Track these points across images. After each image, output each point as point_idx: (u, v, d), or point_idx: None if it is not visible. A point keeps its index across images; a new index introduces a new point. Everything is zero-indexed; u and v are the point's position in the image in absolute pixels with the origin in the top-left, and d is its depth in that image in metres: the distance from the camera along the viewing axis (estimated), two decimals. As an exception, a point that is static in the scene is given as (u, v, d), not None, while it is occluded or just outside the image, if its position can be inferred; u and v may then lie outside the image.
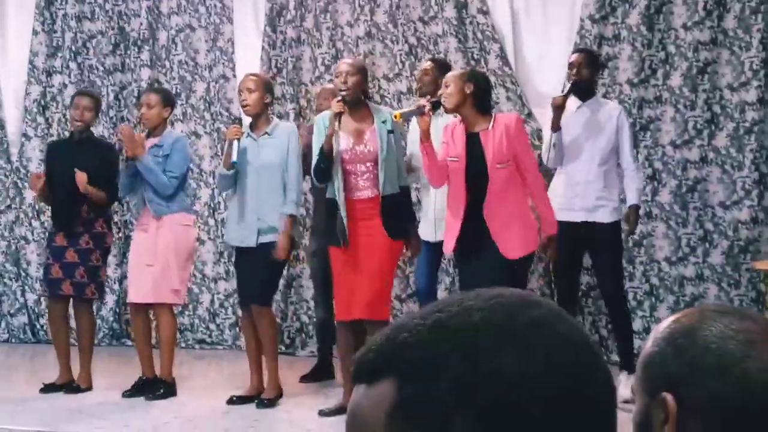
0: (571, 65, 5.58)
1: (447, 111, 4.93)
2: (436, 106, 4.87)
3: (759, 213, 6.27)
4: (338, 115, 5.01)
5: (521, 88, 6.63)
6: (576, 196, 5.46)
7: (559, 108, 5.44)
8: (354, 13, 6.98)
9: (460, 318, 0.79)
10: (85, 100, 5.87)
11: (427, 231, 5.65)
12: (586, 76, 5.53)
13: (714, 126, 6.33)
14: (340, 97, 5.06)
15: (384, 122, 5.07)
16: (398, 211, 5.11)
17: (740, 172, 6.27)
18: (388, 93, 6.88)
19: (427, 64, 5.86)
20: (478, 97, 4.86)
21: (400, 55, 6.88)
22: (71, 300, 5.87)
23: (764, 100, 6.25)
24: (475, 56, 6.70)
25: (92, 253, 5.77)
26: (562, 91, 5.64)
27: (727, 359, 1.13)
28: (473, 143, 4.87)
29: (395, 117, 4.95)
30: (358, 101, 5.11)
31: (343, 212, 5.04)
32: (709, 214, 6.35)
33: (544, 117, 6.57)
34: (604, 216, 5.48)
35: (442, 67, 5.77)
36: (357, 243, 5.02)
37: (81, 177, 5.62)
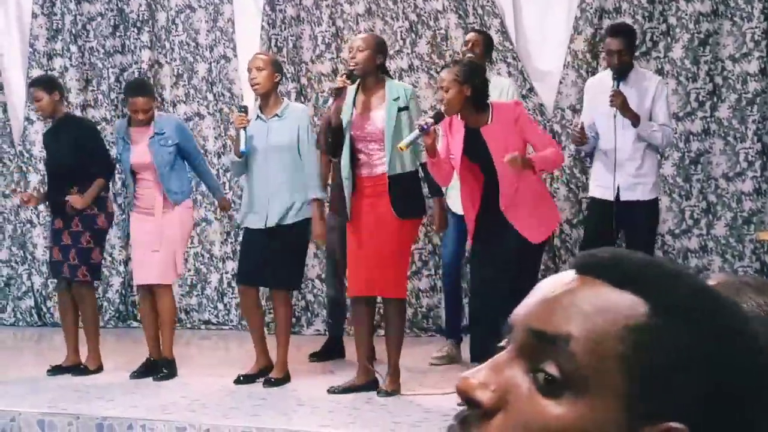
0: (610, 52, 5.39)
1: (448, 115, 4.84)
2: (437, 118, 4.76)
3: (762, 184, 6.27)
4: (339, 90, 4.99)
5: (522, 63, 6.61)
6: (610, 174, 5.40)
7: (624, 104, 5.24)
8: (354, -10, 6.96)
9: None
10: (34, 90, 5.83)
11: (456, 203, 5.63)
12: (628, 61, 5.40)
13: (716, 98, 6.32)
14: (344, 72, 5.04)
15: (396, 99, 4.97)
16: (408, 191, 5.00)
17: (743, 143, 6.26)
18: (390, 70, 6.85)
19: (472, 36, 5.74)
20: (476, 97, 4.80)
21: (401, 31, 6.86)
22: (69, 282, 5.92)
23: (766, 71, 6.23)
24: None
25: (82, 236, 5.80)
26: (614, 84, 5.31)
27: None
28: (474, 139, 4.81)
29: (400, 149, 4.77)
30: (373, 77, 5.03)
31: (347, 188, 5.04)
32: (712, 186, 6.35)
33: (544, 91, 6.57)
34: (642, 193, 5.43)
35: (486, 37, 5.77)
36: (366, 220, 5.02)
37: (74, 200, 5.69)
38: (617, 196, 5.38)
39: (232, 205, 6.57)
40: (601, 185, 5.45)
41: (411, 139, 4.72)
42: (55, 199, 5.86)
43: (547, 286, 0.81)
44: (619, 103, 5.23)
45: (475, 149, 4.81)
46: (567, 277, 0.81)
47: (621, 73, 5.34)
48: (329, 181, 5.92)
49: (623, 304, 0.77)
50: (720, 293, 0.81)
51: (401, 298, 5.15)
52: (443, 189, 5.23)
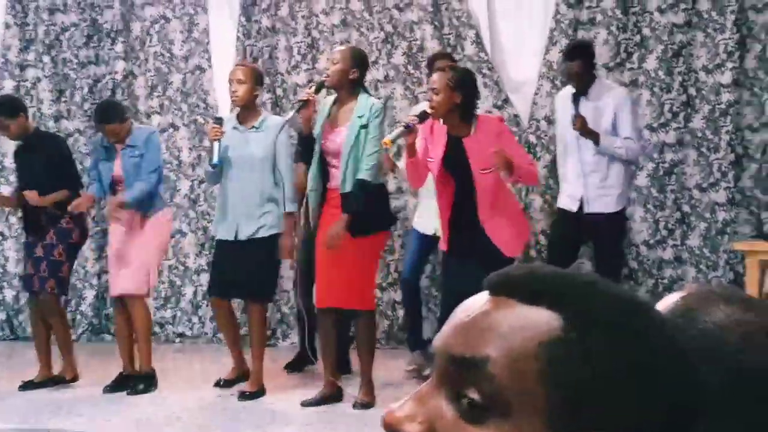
0: (569, 76, 5.47)
1: (434, 118, 4.83)
2: (423, 118, 4.76)
3: (735, 194, 6.31)
4: (303, 102, 5.02)
5: (498, 74, 6.63)
6: (577, 186, 5.46)
7: (584, 127, 5.34)
8: (329, 1, 6.95)
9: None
10: (1, 120, 5.75)
11: (422, 222, 5.72)
12: (588, 79, 5.46)
13: (690, 108, 6.35)
14: (313, 84, 5.07)
15: (360, 116, 4.98)
16: (361, 207, 4.94)
17: (716, 154, 6.30)
18: (365, 81, 6.84)
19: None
20: (465, 106, 4.79)
21: (376, 42, 6.86)
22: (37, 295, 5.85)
23: (739, 82, 6.28)
24: (451, 43, 6.69)
25: (55, 248, 5.74)
26: (572, 106, 5.43)
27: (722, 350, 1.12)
28: (455, 147, 4.80)
29: (385, 144, 4.77)
30: (346, 91, 5.02)
31: (312, 200, 5.06)
32: (686, 196, 6.38)
33: (520, 102, 6.58)
34: (606, 205, 5.47)
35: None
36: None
37: (30, 196, 5.64)
38: (581, 207, 5.45)
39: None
40: (568, 196, 5.52)
41: (395, 134, 4.73)
42: (28, 217, 5.83)
43: (463, 311, 0.81)
44: (579, 125, 5.31)
45: (455, 158, 4.80)
46: (481, 299, 0.81)
47: (584, 90, 5.42)
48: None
49: (537, 320, 0.76)
50: (634, 298, 0.80)
51: (369, 310, 5.15)
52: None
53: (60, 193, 5.70)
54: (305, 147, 5.35)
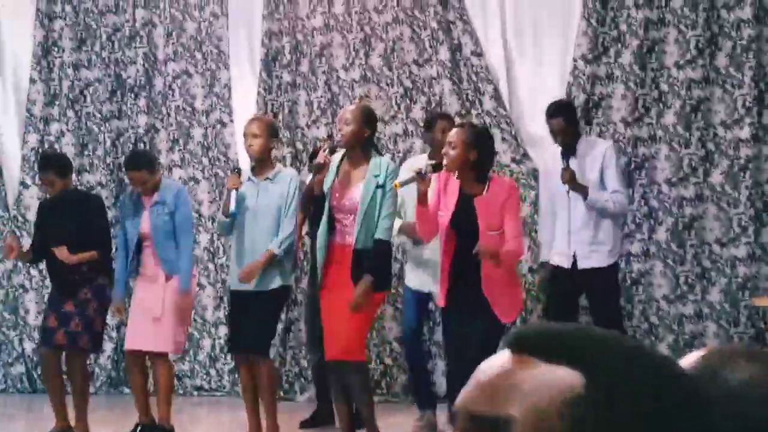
0: (553, 133, 5.59)
1: (447, 171, 4.85)
2: (436, 168, 4.79)
3: (756, 249, 6.27)
4: (320, 166, 5.01)
5: (515, 128, 6.66)
6: (570, 242, 5.50)
7: (573, 180, 5.41)
8: (349, 56, 7.03)
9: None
10: (47, 174, 5.75)
11: (419, 281, 5.71)
12: (571, 136, 5.56)
13: (709, 163, 6.35)
14: (326, 147, 5.07)
15: (376, 176, 5.02)
16: (370, 265, 4.99)
17: (736, 209, 6.28)
18: (384, 135, 6.91)
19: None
20: (480, 164, 4.81)
21: (396, 97, 6.92)
22: (62, 349, 5.83)
23: (758, 137, 6.28)
24: (470, 98, 6.74)
25: (90, 303, 5.72)
26: (563, 161, 5.50)
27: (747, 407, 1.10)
28: (466, 205, 4.80)
29: (395, 186, 4.83)
30: (358, 150, 5.06)
31: (319, 255, 5.06)
32: (706, 251, 6.35)
33: (538, 157, 6.60)
34: (599, 261, 5.51)
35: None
36: (337, 286, 5.02)
37: (61, 253, 5.64)
38: (574, 264, 5.47)
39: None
40: (558, 253, 5.54)
41: (407, 179, 4.77)
42: (59, 278, 5.79)
43: (485, 369, 0.81)
44: (568, 178, 5.38)
45: (465, 215, 4.79)
46: (502, 357, 0.80)
47: (569, 147, 5.47)
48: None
49: (558, 379, 0.76)
50: (657, 354, 0.79)
51: (361, 362, 5.14)
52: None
53: (90, 254, 5.70)
54: (311, 203, 5.32)
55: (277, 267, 5.36)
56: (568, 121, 5.59)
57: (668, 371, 0.78)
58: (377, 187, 4.99)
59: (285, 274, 5.41)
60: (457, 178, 4.84)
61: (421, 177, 4.71)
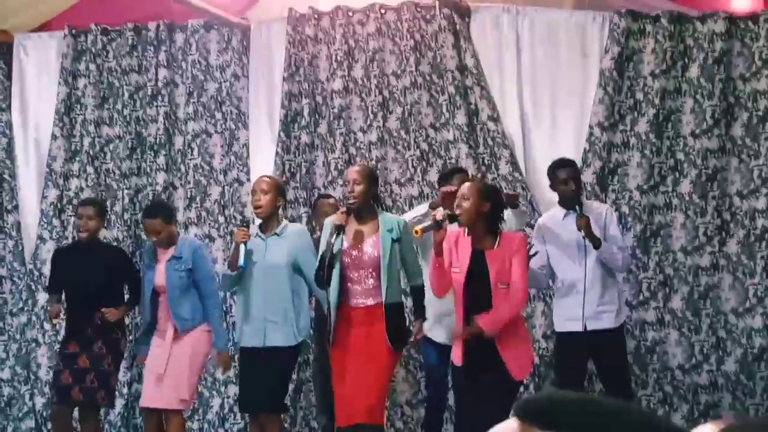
0: (565, 181, 5.60)
1: (460, 226, 4.90)
2: (452, 219, 4.84)
3: (772, 320, 6.23)
4: (339, 228, 5.05)
5: (531, 193, 6.68)
6: (577, 305, 5.46)
7: (588, 227, 5.41)
8: (367, 119, 7.10)
9: None
10: (88, 209, 5.93)
11: (441, 333, 5.64)
12: (579, 188, 5.63)
13: (725, 233, 6.34)
14: (344, 208, 5.12)
15: (390, 230, 5.07)
16: (399, 321, 5.11)
17: (752, 279, 6.25)
18: (400, 197, 6.94)
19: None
20: (491, 217, 4.86)
21: (412, 160, 6.96)
22: (77, 405, 5.82)
23: (774, 208, 6.27)
24: (486, 162, 6.78)
25: (105, 359, 5.73)
26: (577, 210, 5.53)
27: None
28: (478, 260, 4.84)
29: (416, 233, 4.89)
30: (367, 208, 5.14)
31: (333, 315, 5.05)
32: (721, 321, 6.31)
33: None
34: (607, 322, 5.47)
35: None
36: (354, 348, 5.00)
37: (111, 314, 5.73)
38: (584, 327, 5.43)
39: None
40: (569, 318, 5.49)
41: (425, 226, 4.84)
42: (76, 324, 5.81)
43: None
44: (584, 224, 5.37)
45: (477, 270, 4.82)
46: (510, 425, 0.85)
47: (573, 202, 5.46)
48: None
49: None
50: (666, 425, 0.81)
51: (379, 425, 5.09)
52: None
53: (126, 307, 5.81)
54: (328, 270, 5.31)
55: (293, 324, 5.35)
56: (576, 172, 5.67)
57: None
58: (393, 241, 5.04)
59: (298, 332, 5.40)
60: (468, 232, 4.87)
61: (437, 226, 4.75)
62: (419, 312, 5.23)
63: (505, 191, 5.71)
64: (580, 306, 5.46)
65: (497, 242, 4.86)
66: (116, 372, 5.86)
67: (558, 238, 5.55)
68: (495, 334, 4.75)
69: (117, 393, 7.39)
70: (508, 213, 5.63)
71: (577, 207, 5.49)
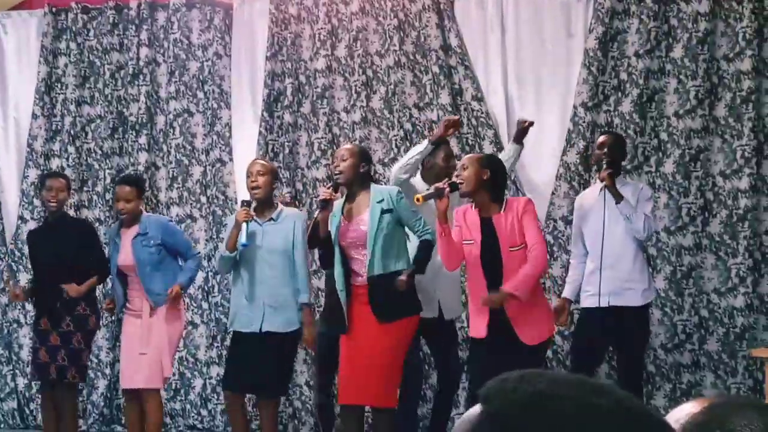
0: (601, 145, 5.56)
1: (462, 195, 4.94)
2: (453, 187, 4.85)
3: (754, 300, 6.25)
4: (324, 202, 5.01)
5: (515, 174, 6.66)
6: (597, 280, 5.42)
7: (612, 181, 5.39)
8: (350, 99, 7.07)
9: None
10: (57, 181, 5.90)
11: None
12: (617, 158, 5.56)
13: (707, 213, 6.35)
14: (330, 184, 5.09)
15: (380, 201, 5.01)
16: (392, 291, 4.95)
17: (734, 258, 6.27)
18: (383, 177, 6.91)
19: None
20: (493, 184, 4.88)
21: (396, 140, 6.94)
22: (53, 384, 5.80)
23: (756, 188, 6.29)
24: (470, 142, 6.76)
25: (73, 336, 5.72)
26: (605, 165, 5.49)
27: None
28: (487, 228, 4.87)
29: (417, 200, 4.88)
30: (358, 185, 5.09)
31: (342, 298, 5.01)
32: (704, 300, 6.33)
33: (537, 202, 6.58)
34: (632, 299, 5.42)
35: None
36: (360, 328, 4.97)
37: (71, 289, 5.66)
38: (606, 302, 5.39)
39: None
40: (589, 294, 5.46)
41: (426, 194, 4.85)
42: (44, 301, 5.81)
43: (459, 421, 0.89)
44: (607, 176, 5.36)
45: (488, 239, 4.83)
46: (474, 412, 0.88)
47: (613, 166, 5.44)
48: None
49: (468, 414, 0.87)
50: (561, 399, 0.83)
51: (391, 408, 5.06)
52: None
53: (91, 282, 5.75)
54: (326, 250, 5.26)
55: (294, 309, 5.36)
56: (614, 141, 5.59)
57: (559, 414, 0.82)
58: (383, 212, 4.97)
59: (297, 316, 5.41)
60: (474, 204, 4.88)
61: (439, 193, 4.75)
62: (416, 264, 5.06)
63: (519, 119, 5.73)
64: (598, 282, 5.40)
65: (503, 207, 4.88)
66: (87, 349, 5.84)
67: (589, 212, 5.53)
68: (526, 295, 4.76)
69: (100, 374, 7.38)
70: (509, 145, 5.70)
71: (604, 164, 5.42)
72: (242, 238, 5.29)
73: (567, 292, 5.66)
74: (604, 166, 5.41)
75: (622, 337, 5.45)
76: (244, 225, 5.29)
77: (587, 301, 5.49)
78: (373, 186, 5.14)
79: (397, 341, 4.97)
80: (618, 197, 5.37)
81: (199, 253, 5.85)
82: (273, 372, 5.32)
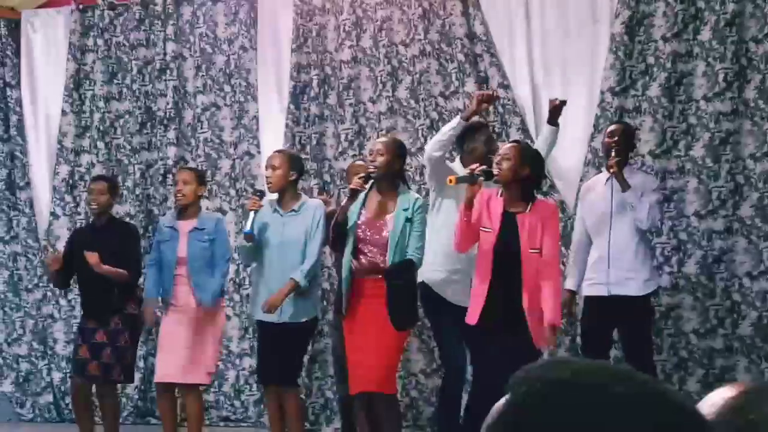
0: (611, 133, 5.56)
1: (496, 182, 4.90)
2: (488, 176, 4.83)
3: (787, 283, 6.20)
4: (354, 192, 5.03)
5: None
6: (606, 269, 5.42)
7: (620, 168, 5.39)
8: (376, 89, 7.07)
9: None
10: (99, 184, 5.94)
11: (454, 292, 5.48)
12: (626, 147, 5.56)
13: (738, 196, 6.30)
14: (362, 175, 5.08)
15: (405, 209, 5.03)
16: (404, 301, 5.03)
17: (766, 242, 6.22)
18: (410, 167, 6.92)
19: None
20: (528, 183, 4.85)
21: (422, 129, 6.94)
22: (94, 381, 5.84)
23: (787, 169, 6.23)
24: (497, 130, 6.74)
25: (121, 335, 5.74)
26: (613, 154, 5.51)
27: None
28: (508, 222, 4.84)
29: (449, 182, 4.87)
30: (389, 182, 5.10)
31: (345, 284, 5.04)
32: (736, 284, 6.28)
33: (565, 189, 6.58)
34: (635, 289, 5.43)
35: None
36: (364, 319, 5.01)
37: (92, 258, 5.63)
38: (609, 291, 5.41)
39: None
40: (594, 283, 5.48)
41: (460, 177, 4.83)
42: (92, 304, 5.82)
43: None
44: (614, 163, 5.34)
45: (508, 233, 4.81)
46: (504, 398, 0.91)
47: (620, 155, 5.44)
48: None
49: (498, 405, 0.90)
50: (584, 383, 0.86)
51: (392, 394, 5.13)
52: None
53: (120, 271, 5.68)
54: (338, 234, 5.28)
55: (307, 298, 5.37)
56: (624, 130, 5.61)
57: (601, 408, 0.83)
58: (406, 220, 5.00)
59: (314, 305, 5.44)
60: (502, 193, 4.86)
61: (472, 180, 4.73)
62: (391, 270, 4.98)
63: (550, 98, 5.68)
64: (608, 270, 5.42)
65: (529, 207, 4.85)
66: (133, 348, 5.88)
67: (594, 201, 5.53)
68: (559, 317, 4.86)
69: (135, 367, 7.45)
70: (544, 128, 5.67)
71: (613, 152, 5.40)
72: (246, 226, 5.33)
73: (571, 284, 5.69)
74: (613, 154, 5.40)
75: (625, 325, 5.48)
76: (251, 213, 5.33)
77: (591, 290, 5.52)
78: (402, 191, 5.12)
79: (397, 339, 5.08)
80: (625, 185, 5.36)
81: (229, 261, 5.84)
82: (289, 360, 5.37)
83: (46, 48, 7.97)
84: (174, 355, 5.61)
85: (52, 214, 7.82)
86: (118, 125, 7.76)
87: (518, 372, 0.89)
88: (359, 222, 5.08)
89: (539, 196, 5.09)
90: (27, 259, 7.87)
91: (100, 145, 7.74)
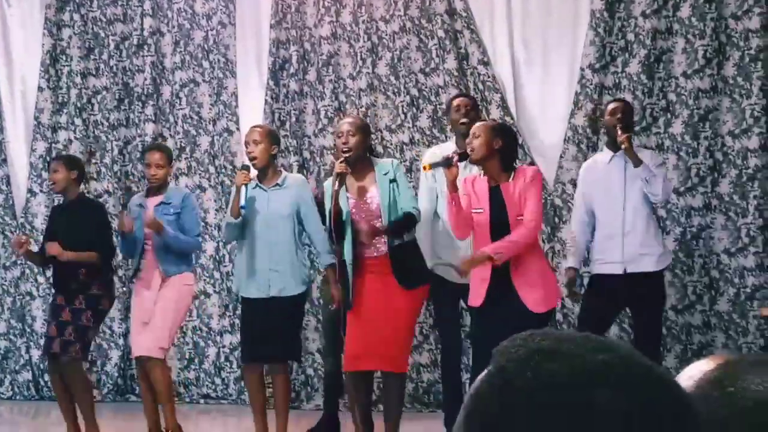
0: (614, 111, 5.50)
1: (472, 162, 4.90)
2: (463, 157, 4.83)
3: (764, 259, 6.25)
4: (341, 176, 5.01)
5: (523, 138, 6.65)
6: (617, 246, 5.38)
7: (630, 143, 5.36)
8: (356, 65, 7.04)
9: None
10: (54, 164, 5.87)
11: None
12: (630, 123, 5.53)
13: (717, 173, 6.33)
14: (342, 159, 5.06)
15: (386, 174, 5.06)
16: (410, 261, 5.04)
17: (744, 218, 6.26)
18: (391, 144, 6.91)
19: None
20: (505, 153, 4.85)
21: (402, 106, 6.92)
22: (55, 357, 5.82)
23: (766, 147, 6.26)
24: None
25: (83, 314, 5.72)
26: (621, 131, 5.41)
27: None
28: (496, 196, 4.85)
29: (424, 168, 4.91)
30: (363, 160, 5.11)
31: (349, 273, 5.03)
32: (714, 261, 6.33)
33: (545, 166, 6.58)
34: (649, 265, 5.41)
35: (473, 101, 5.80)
36: (370, 297, 5.00)
37: (52, 248, 5.62)
38: (625, 270, 5.35)
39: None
40: (606, 261, 5.41)
41: (437, 162, 4.84)
42: (60, 278, 5.81)
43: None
44: (625, 139, 5.29)
45: (497, 208, 4.83)
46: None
47: (615, 135, 5.39)
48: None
49: (481, 375, 0.90)
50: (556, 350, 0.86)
51: (402, 373, 5.11)
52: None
53: (87, 254, 5.66)
54: (338, 226, 5.27)
55: (299, 273, 5.36)
56: (627, 107, 5.57)
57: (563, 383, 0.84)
58: (390, 182, 5.05)
59: (305, 280, 5.43)
60: (483, 171, 4.86)
61: (447, 163, 4.74)
62: (392, 225, 5.02)
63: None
64: (620, 249, 5.38)
65: (512, 176, 4.87)
66: (95, 328, 5.86)
67: (600, 180, 5.47)
68: (503, 258, 4.71)
69: (113, 344, 7.44)
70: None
71: (619, 129, 5.36)
72: (241, 200, 5.29)
73: (573, 262, 5.64)
74: (620, 132, 5.35)
75: (638, 303, 5.42)
76: (243, 188, 5.28)
77: (603, 268, 5.43)
78: (373, 159, 5.17)
79: (414, 308, 5.09)
80: (637, 161, 5.32)
81: (200, 239, 5.79)
82: (284, 335, 5.34)
83: (22, 23, 7.87)
84: (139, 329, 5.64)
85: (30, 191, 7.76)
86: (95, 101, 7.70)
87: (504, 342, 0.90)
88: (349, 205, 5.07)
89: (519, 164, 5.10)
90: (4, 237, 7.82)
91: (78, 121, 7.68)
